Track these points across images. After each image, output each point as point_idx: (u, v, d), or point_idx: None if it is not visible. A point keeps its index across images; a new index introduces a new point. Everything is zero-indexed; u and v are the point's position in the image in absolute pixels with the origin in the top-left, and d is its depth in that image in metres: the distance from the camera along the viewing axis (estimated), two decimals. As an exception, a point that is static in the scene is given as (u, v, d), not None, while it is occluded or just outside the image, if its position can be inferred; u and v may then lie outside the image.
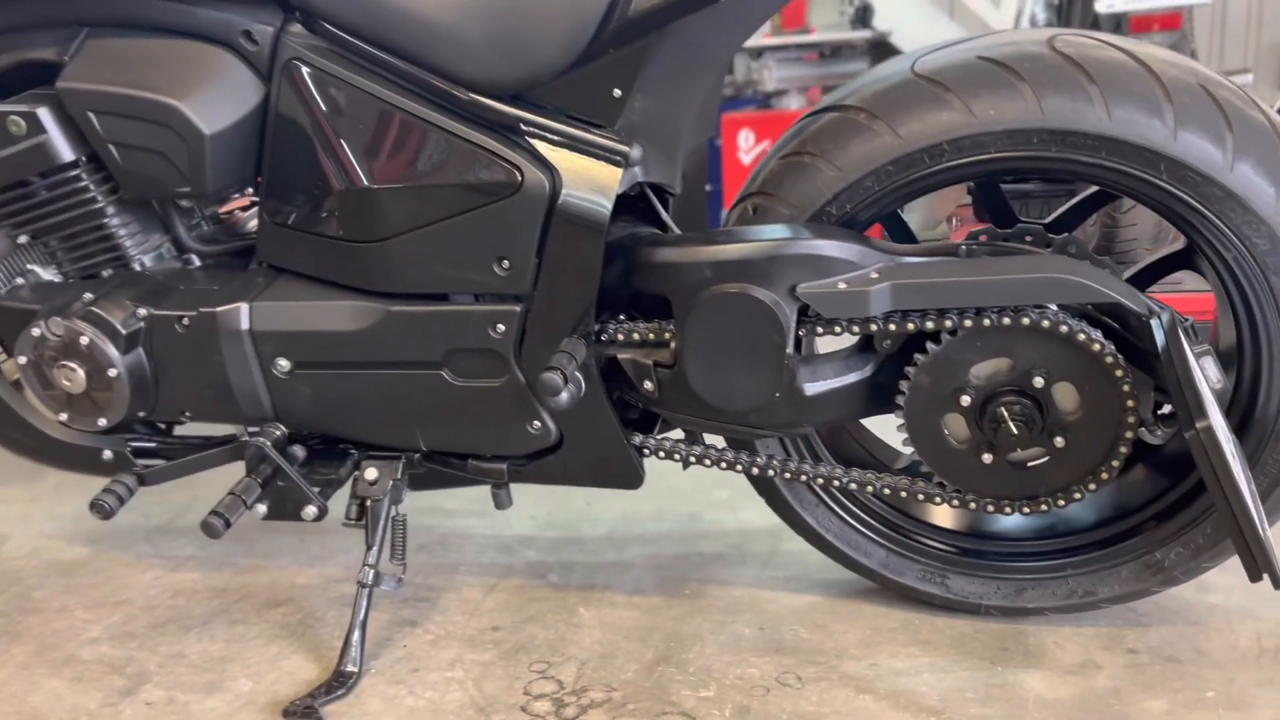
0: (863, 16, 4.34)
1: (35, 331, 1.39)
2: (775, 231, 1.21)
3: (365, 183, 1.27)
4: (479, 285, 1.27)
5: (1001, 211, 1.30)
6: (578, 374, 1.23)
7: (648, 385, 1.29)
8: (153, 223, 1.48)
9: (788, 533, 1.70)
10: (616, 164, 1.21)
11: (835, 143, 1.21)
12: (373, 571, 1.39)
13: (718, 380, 1.23)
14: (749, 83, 4.41)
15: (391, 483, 1.42)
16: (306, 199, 1.33)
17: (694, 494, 1.95)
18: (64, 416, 1.44)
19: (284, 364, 1.37)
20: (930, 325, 1.18)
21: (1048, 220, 1.31)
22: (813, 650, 1.38)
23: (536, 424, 1.33)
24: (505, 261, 1.25)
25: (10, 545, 1.89)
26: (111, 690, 1.39)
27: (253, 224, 1.55)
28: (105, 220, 1.43)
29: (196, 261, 1.50)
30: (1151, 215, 1.36)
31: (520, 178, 1.21)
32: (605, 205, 1.20)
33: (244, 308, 1.36)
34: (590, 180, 1.21)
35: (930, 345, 1.21)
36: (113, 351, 1.37)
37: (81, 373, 1.39)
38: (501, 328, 1.27)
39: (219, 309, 1.36)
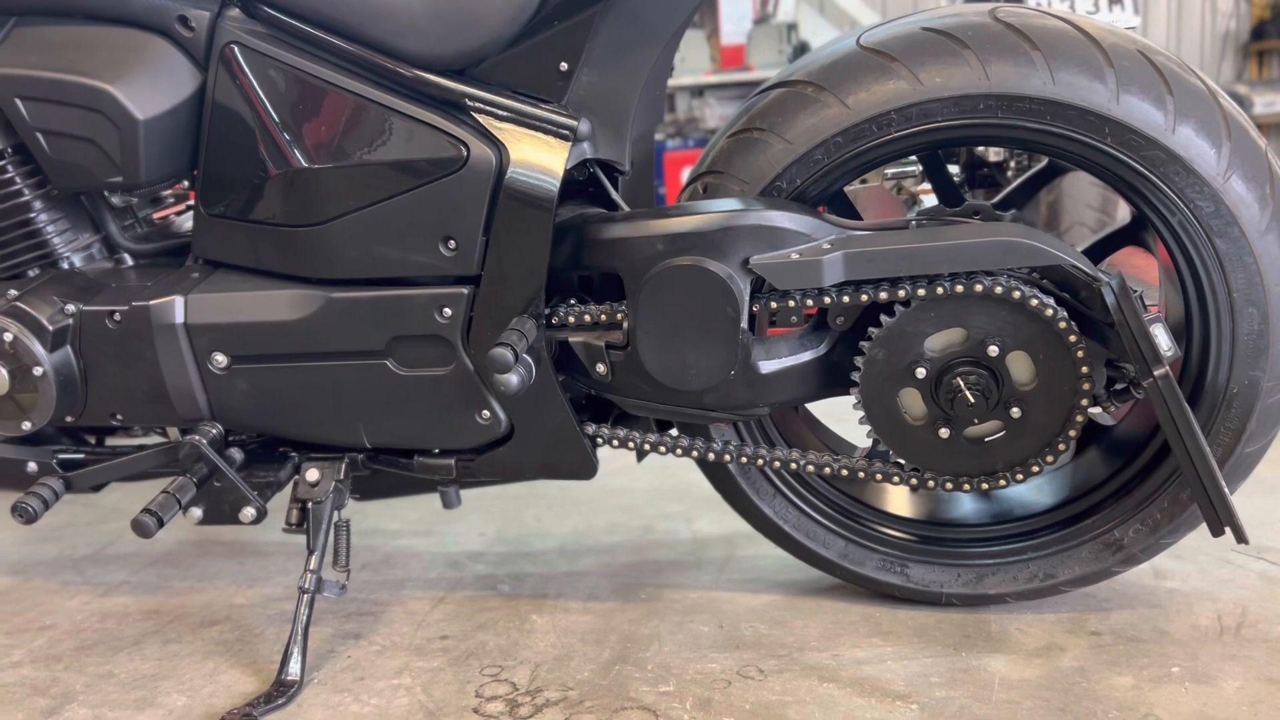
0: (800, 54, 4.43)
1: (-46, 329, 1.32)
2: (727, 204, 1.20)
3: (305, 164, 1.24)
4: (424, 267, 1.23)
5: (949, 190, 1.30)
6: (528, 357, 1.20)
7: (600, 369, 1.26)
8: (83, 220, 1.43)
9: (744, 540, 1.67)
10: (564, 138, 1.19)
11: (783, 116, 1.21)
12: (315, 577, 1.33)
13: (671, 358, 1.20)
14: (690, 120, 4.47)
15: (334, 484, 1.36)
16: (245, 187, 1.29)
17: (647, 507, 1.91)
18: (-14, 422, 1.36)
19: (221, 359, 1.32)
20: (884, 295, 1.17)
21: (996, 199, 1.32)
22: (773, 644, 1.34)
23: (486, 414, 1.29)
24: (451, 241, 1.22)
25: (-75, 577, 1.78)
26: (34, 710, 1.30)
27: (188, 225, 1.50)
28: (32, 215, 1.37)
29: (129, 261, 1.45)
30: (1093, 196, 1.37)
31: (466, 153, 1.19)
32: (554, 180, 1.18)
33: (178, 300, 1.31)
34: (538, 155, 1.19)
35: (884, 318, 1.19)
36: (38, 349, 1.31)
37: (4, 372, 1.32)
38: (448, 312, 1.24)
39: (152, 303, 1.31)
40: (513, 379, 1.18)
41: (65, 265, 1.40)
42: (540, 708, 1.23)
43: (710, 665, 1.30)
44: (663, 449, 1.31)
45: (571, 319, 1.25)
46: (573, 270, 1.26)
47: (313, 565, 1.34)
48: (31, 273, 1.41)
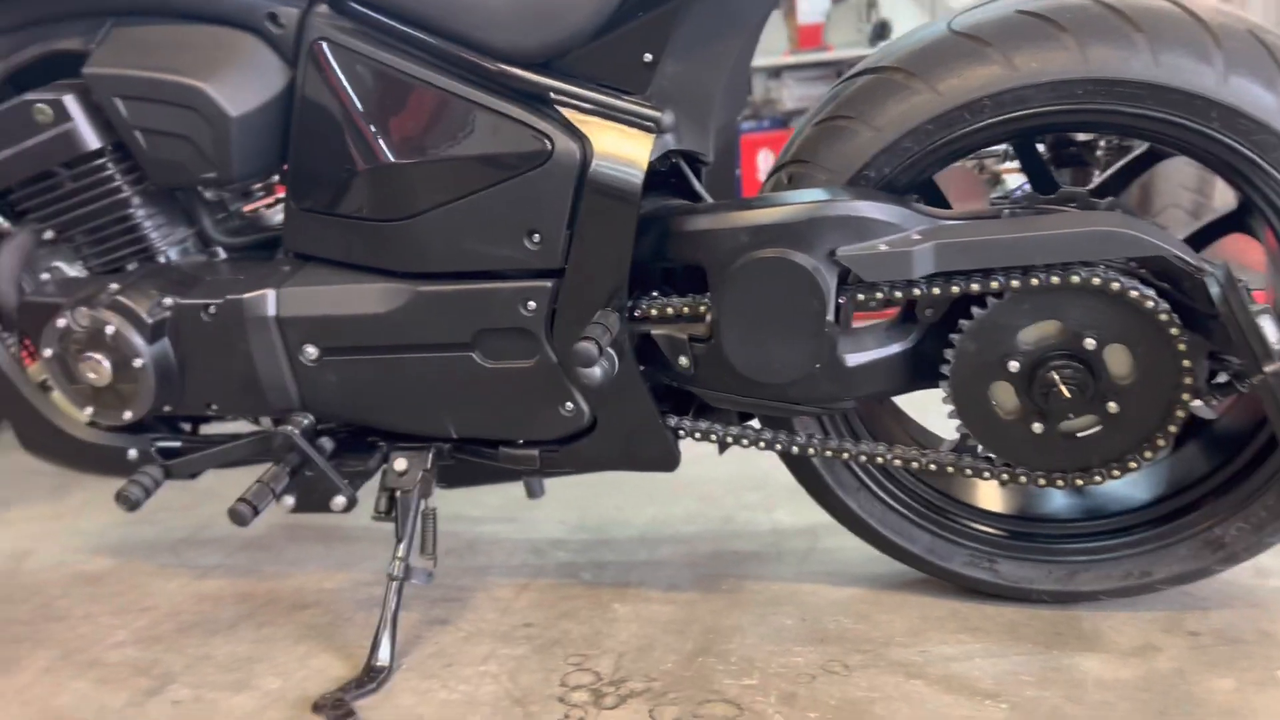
0: (881, 32, 4.34)
1: (60, 322, 1.37)
2: (812, 194, 1.18)
3: (392, 159, 1.26)
4: (509, 261, 1.24)
5: (1042, 176, 1.26)
6: (611, 350, 1.20)
7: (683, 361, 1.25)
8: (178, 215, 1.47)
9: (825, 531, 1.65)
10: (648, 130, 1.18)
11: (872, 104, 1.19)
12: (403, 565, 1.35)
13: (755, 352, 1.19)
14: (767, 103, 4.41)
15: (421, 474, 1.38)
16: (333, 181, 1.31)
17: (725, 496, 1.90)
18: (89, 411, 1.41)
19: (311, 351, 1.34)
20: (975, 287, 1.14)
21: (1091, 186, 1.28)
22: (858, 639, 1.33)
23: (569, 405, 1.29)
24: (536, 235, 1.22)
25: (33, 560, 1.86)
26: (137, 690, 1.35)
27: (279, 218, 1.54)
28: (130, 211, 1.41)
29: (222, 254, 1.49)
30: (1189, 177, 1.32)
31: (550, 147, 1.19)
32: (638, 173, 1.18)
33: (270, 294, 1.34)
34: (622, 148, 1.18)
35: (975, 310, 1.17)
36: (138, 341, 1.35)
37: (107, 364, 1.37)
38: (532, 305, 1.25)
39: (245, 296, 1.34)
40: (596, 372, 1.19)
41: (162, 259, 1.44)
42: (624, 698, 1.23)
43: (794, 659, 1.29)
44: (745, 442, 1.30)
45: (654, 311, 1.25)
46: (656, 263, 1.25)
47: (401, 553, 1.36)
48: (130, 266, 1.45)
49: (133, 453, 1.49)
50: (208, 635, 1.49)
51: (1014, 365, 1.17)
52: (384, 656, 1.33)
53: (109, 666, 1.42)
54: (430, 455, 1.39)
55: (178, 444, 1.51)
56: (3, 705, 1.34)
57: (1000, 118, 1.14)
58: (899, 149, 1.18)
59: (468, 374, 1.30)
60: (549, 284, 1.24)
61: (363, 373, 1.34)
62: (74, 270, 1.49)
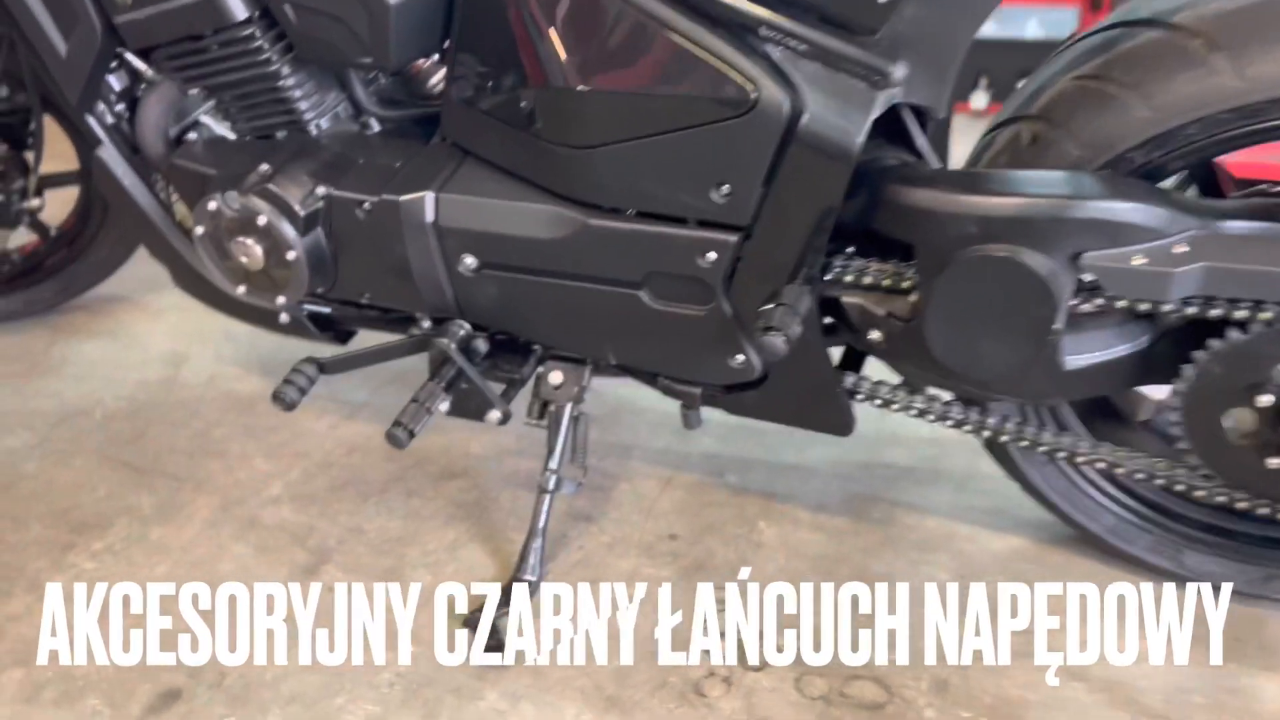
0: None
1: (211, 205, 1.30)
2: (1059, 182, 1.00)
3: (572, 81, 1.10)
4: (692, 209, 1.10)
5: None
6: (797, 326, 1.08)
7: (874, 335, 1.13)
8: (329, 82, 1.34)
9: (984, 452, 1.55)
10: (874, 84, 0.99)
11: (1156, 74, 0.97)
12: (555, 478, 1.33)
13: (963, 346, 1.06)
14: None
15: (577, 389, 1.33)
16: (502, 89, 1.17)
17: (883, 380, 1.80)
18: (241, 290, 1.37)
19: (470, 261, 1.25)
20: (1241, 314, 0.97)
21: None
22: (1017, 619, 1.27)
23: (740, 359, 1.19)
24: (725, 186, 1.07)
25: (189, 368, 1.90)
26: (295, 567, 1.39)
27: (436, 83, 1.39)
28: (280, 82, 1.29)
29: (375, 126, 1.37)
30: None
31: (755, 95, 1.02)
32: (855, 135, 1.00)
33: (429, 198, 1.23)
34: (839, 102, 1.00)
35: (1232, 334, 1.00)
36: (290, 232, 1.27)
37: (259, 250, 1.30)
38: (712, 256, 1.12)
39: (402, 198, 1.23)
40: (779, 344, 1.07)
41: (312, 129, 1.33)
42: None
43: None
44: (931, 417, 1.19)
45: (849, 278, 1.11)
46: (859, 226, 1.10)
47: (553, 465, 1.33)
48: (280, 134, 1.35)
49: (284, 317, 1.46)
50: (360, 501, 1.52)
51: (1266, 400, 1.01)
52: (531, 569, 1.33)
53: (267, 530, 1.46)
54: (587, 371, 1.33)
55: (328, 311, 1.47)
56: (174, 562, 1.40)
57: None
58: (1179, 134, 0.97)
59: (633, 311, 1.20)
60: (733, 238, 1.10)
61: (522, 291, 1.25)
62: (221, 128, 1.39)
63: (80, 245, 2.00)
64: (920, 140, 1.11)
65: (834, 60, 1.00)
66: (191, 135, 1.40)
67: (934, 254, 1.03)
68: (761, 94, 1.01)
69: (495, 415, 1.32)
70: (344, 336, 1.54)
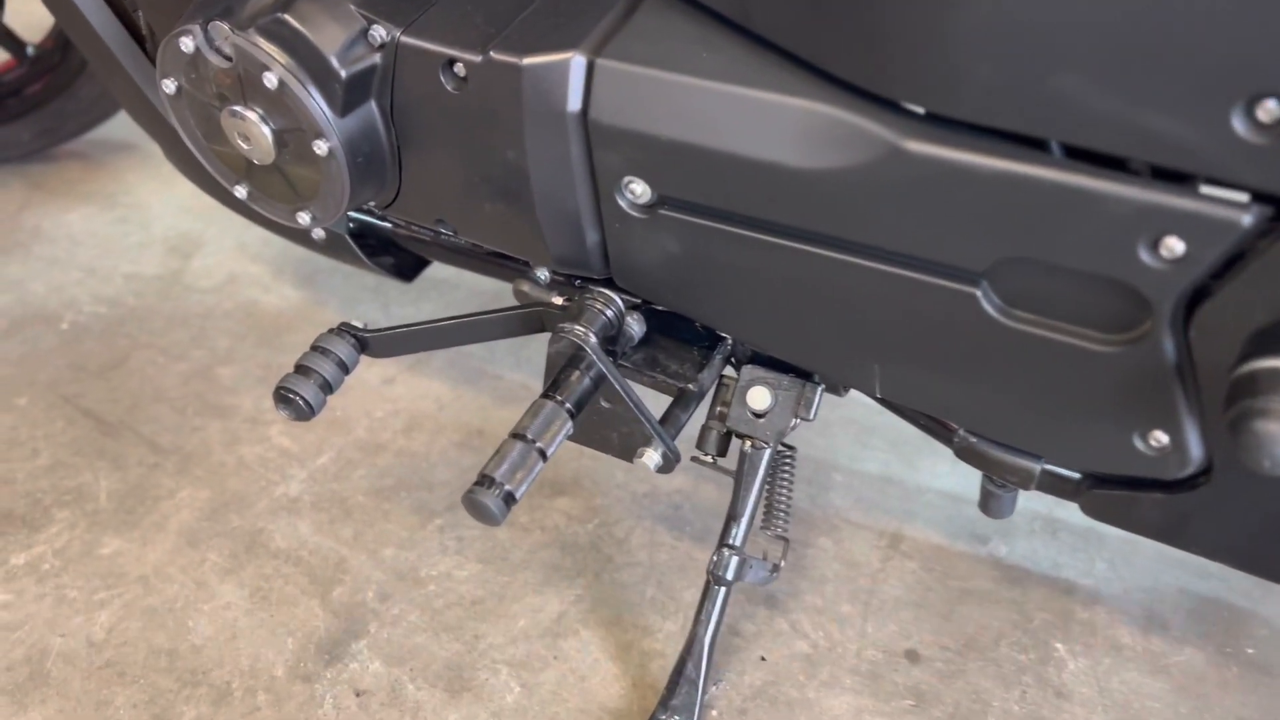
0: None
1: (186, 45, 0.72)
2: None
3: None
4: (1184, 158, 0.50)
5: None
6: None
7: None
8: None
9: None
10: None
11: None
12: (735, 560, 0.78)
13: None
14: None
15: (792, 421, 0.76)
16: None
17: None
18: (241, 191, 0.80)
19: (640, 190, 0.67)
20: None
21: None
22: None
23: (1159, 437, 0.61)
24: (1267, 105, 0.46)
25: (200, 260, 1.36)
26: (307, 642, 0.88)
27: None
28: None
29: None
30: None
31: None
32: None
33: (576, 64, 0.64)
34: None
35: None
36: (321, 108, 0.70)
37: (266, 132, 0.73)
38: (1176, 247, 0.52)
39: (525, 61, 0.64)
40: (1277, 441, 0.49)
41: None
42: None
43: None
44: None
45: None
46: None
47: (735, 538, 0.79)
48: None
49: (319, 232, 0.91)
50: (418, 519, 1.00)
51: None
52: (684, 705, 0.80)
53: (273, 560, 0.95)
54: (817, 395, 0.76)
55: (387, 227, 0.91)
56: (123, 608, 0.90)
57: None
58: None
59: (956, 320, 0.62)
60: (1245, 220, 0.50)
61: (737, 260, 0.66)
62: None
63: (64, 75, 1.43)
64: None
65: None
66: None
67: None
68: None
69: (654, 459, 0.75)
70: (411, 269, 0.98)
